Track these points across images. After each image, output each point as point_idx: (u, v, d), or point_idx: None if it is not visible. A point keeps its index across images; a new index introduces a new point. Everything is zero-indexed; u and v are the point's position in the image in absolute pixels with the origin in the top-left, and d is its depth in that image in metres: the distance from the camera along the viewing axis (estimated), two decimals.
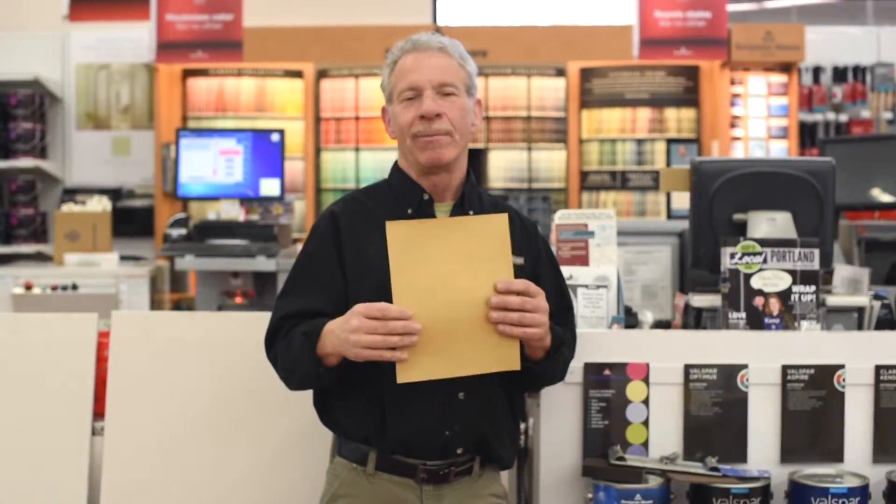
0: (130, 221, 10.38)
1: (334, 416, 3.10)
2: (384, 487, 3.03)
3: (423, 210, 3.08)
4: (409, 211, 3.07)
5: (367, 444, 3.03)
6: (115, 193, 10.43)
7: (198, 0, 10.34)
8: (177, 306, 8.29)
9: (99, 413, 3.79)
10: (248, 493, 3.70)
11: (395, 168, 3.19)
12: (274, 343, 3.07)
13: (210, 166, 7.90)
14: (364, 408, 3.01)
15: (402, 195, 3.11)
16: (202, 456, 3.73)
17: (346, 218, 3.08)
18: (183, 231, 7.66)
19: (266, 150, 7.89)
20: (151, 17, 10.42)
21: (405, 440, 2.99)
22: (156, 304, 7.98)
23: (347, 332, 2.81)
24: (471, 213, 3.09)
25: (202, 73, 10.82)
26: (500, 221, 2.89)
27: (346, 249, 3.04)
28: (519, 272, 3.05)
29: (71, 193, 10.13)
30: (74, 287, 7.38)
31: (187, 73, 10.83)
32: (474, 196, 3.15)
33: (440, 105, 3.02)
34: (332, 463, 3.17)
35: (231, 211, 7.70)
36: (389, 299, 2.89)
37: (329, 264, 3.04)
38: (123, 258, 8.39)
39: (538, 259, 3.20)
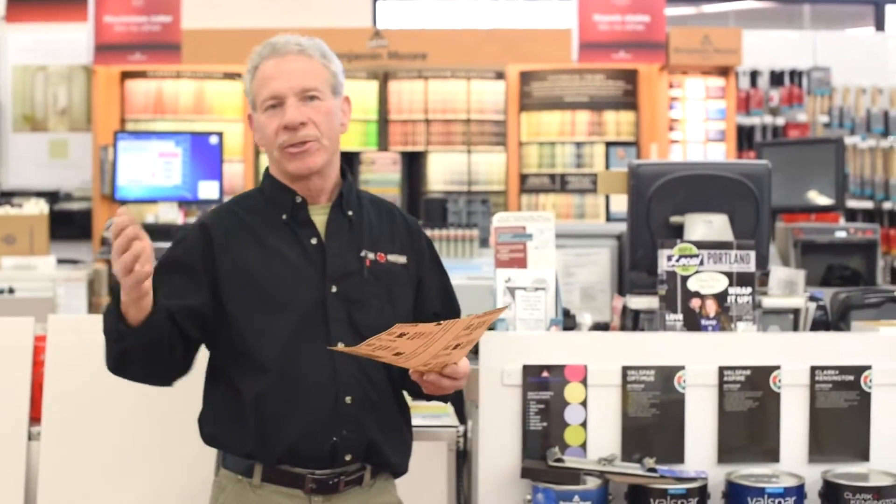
0: (68, 224, 10.30)
1: (214, 433, 3.02)
2: (271, 500, 2.94)
3: (298, 214, 3.01)
4: (284, 217, 3.00)
5: (252, 457, 2.95)
6: (52, 196, 10.36)
7: (136, 2, 10.27)
8: None
9: (35, 418, 3.75)
10: (186, 496, 3.68)
11: (267, 175, 3.10)
12: None
13: (148, 169, 7.87)
14: (244, 421, 2.93)
15: (275, 201, 3.03)
16: (138, 460, 3.70)
17: (219, 231, 2.99)
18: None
19: (205, 153, 7.87)
20: (89, 19, 10.34)
21: (291, 449, 2.91)
22: (93, 308, 7.90)
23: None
24: (350, 213, 3.04)
25: (140, 74, 10.76)
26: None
27: (221, 263, 2.94)
28: (402, 271, 3.06)
29: (7, 196, 10.04)
30: (11, 291, 7.29)
31: (125, 75, 10.77)
32: (352, 196, 3.07)
33: (304, 112, 2.94)
34: (217, 475, 3.08)
35: (169, 214, 7.67)
36: (270, 311, 2.89)
37: (191, 267, 2.94)
38: (61, 262, 8.30)
39: (421, 259, 3.15)
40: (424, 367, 2.81)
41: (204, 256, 2.95)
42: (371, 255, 3.02)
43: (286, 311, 2.91)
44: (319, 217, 3.03)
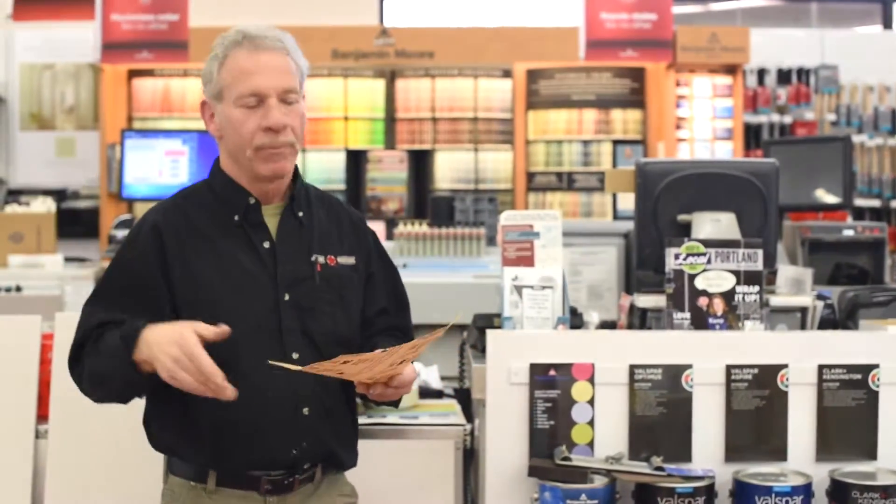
0: (75, 223, 10.31)
1: (167, 443, 2.98)
2: (227, 503, 2.92)
3: (251, 215, 2.95)
4: (236, 218, 2.94)
5: (207, 467, 2.91)
6: (59, 194, 10.36)
7: (143, 0, 10.28)
8: None
9: (42, 416, 3.76)
10: None
11: (218, 170, 3.04)
12: (81, 354, 2.90)
13: (155, 167, 7.87)
14: (201, 432, 2.88)
15: (227, 200, 2.97)
16: (145, 457, 3.70)
17: (170, 234, 2.92)
18: (128, 232, 7.59)
19: (212, 151, 7.82)
20: (96, 17, 10.35)
21: (249, 462, 2.89)
22: None
23: (166, 357, 2.63)
24: (300, 214, 3.00)
25: (148, 73, 10.77)
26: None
27: (173, 269, 2.88)
28: (352, 273, 3.03)
29: (15, 195, 10.06)
30: (18, 289, 7.31)
31: (133, 74, 10.77)
32: (302, 197, 3.03)
33: (286, 116, 2.88)
34: (166, 482, 3.05)
35: None
36: (222, 315, 2.77)
37: (150, 280, 2.89)
38: (68, 260, 8.31)
39: (370, 257, 3.13)
40: (370, 381, 2.81)
41: (159, 264, 2.90)
42: (322, 260, 2.99)
43: (241, 321, 2.83)
44: (271, 219, 2.99)
